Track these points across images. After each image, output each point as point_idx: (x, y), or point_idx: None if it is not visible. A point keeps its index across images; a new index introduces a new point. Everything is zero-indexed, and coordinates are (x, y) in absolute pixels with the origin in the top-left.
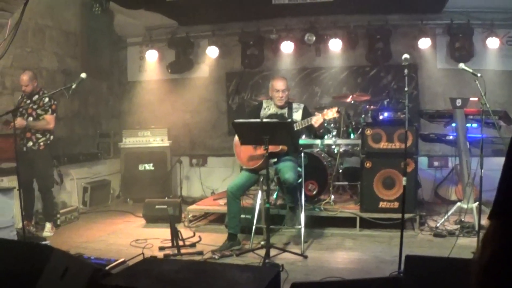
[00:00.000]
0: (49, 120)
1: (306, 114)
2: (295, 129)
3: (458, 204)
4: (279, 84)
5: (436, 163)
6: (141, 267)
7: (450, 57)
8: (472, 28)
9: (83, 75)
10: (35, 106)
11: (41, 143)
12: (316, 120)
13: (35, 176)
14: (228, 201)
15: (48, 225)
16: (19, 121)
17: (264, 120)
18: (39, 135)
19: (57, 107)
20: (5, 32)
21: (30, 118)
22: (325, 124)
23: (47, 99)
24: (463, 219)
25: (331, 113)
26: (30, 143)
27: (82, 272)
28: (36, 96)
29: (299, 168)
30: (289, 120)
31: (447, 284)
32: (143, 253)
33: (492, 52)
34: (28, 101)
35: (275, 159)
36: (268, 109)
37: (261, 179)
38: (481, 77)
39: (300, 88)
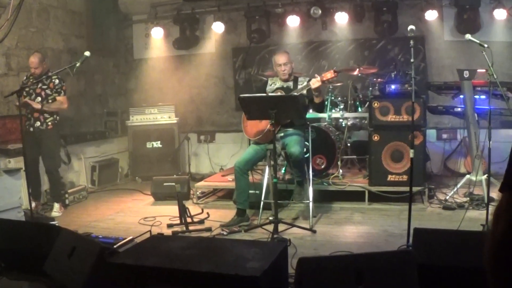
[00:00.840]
0: (63, 101)
1: (310, 89)
2: (295, 94)
3: (467, 176)
4: (280, 58)
5: (444, 136)
6: (148, 244)
7: (457, 29)
8: None
9: (87, 53)
10: (44, 87)
11: (49, 123)
12: (314, 82)
13: (42, 156)
14: (236, 176)
15: (56, 205)
16: (35, 104)
17: (270, 94)
18: (47, 115)
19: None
20: (8, 12)
21: (39, 98)
22: (329, 93)
23: (57, 80)
24: (472, 192)
25: (329, 74)
26: (38, 123)
27: (90, 251)
28: (44, 77)
29: (306, 142)
30: (295, 93)
31: (456, 257)
32: (150, 231)
33: (500, 24)
34: (35, 82)
35: (282, 134)
36: (274, 84)
37: (269, 154)
38: (488, 48)
39: (306, 62)
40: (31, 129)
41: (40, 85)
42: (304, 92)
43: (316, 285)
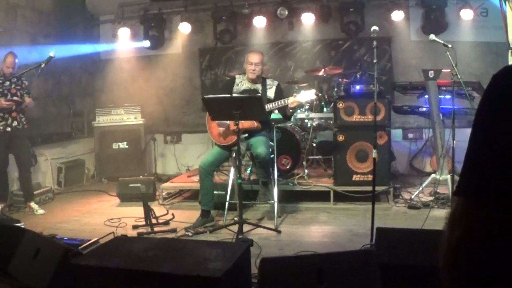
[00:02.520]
0: (31, 101)
1: (279, 92)
2: (268, 109)
3: (433, 175)
4: (253, 57)
5: (410, 135)
6: (112, 246)
7: (423, 29)
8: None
9: (52, 53)
10: (18, 87)
11: (25, 122)
12: (293, 101)
13: (19, 155)
14: (201, 177)
15: (35, 205)
16: (29, 100)
17: (234, 95)
18: (21, 115)
19: None
20: None
21: (15, 98)
22: (294, 93)
23: (26, 81)
24: (437, 191)
25: (308, 98)
26: (15, 123)
27: (54, 253)
28: (14, 77)
29: (271, 143)
30: (259, 94)
31: (418, 255)
32: (113, 232)
33: (466, 24)
34: (7, 82)
35: (246, 134)
36: (242, 84)
37: (233, 154)
38: (452, 48)
39: (273, 63)
40: (8, 128)
41: (13, 85)
42: (272, 95)
43: (278, 285)
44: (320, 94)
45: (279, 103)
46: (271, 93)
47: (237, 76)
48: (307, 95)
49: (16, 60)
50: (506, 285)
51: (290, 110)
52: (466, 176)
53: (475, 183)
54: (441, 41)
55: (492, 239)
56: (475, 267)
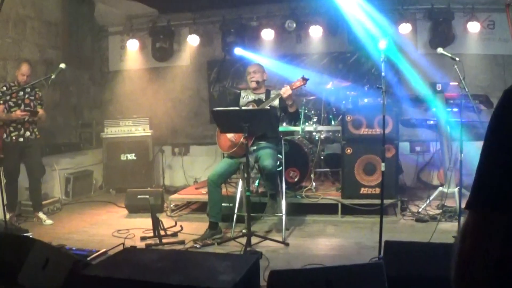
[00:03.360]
0: (44, 113)
1: (283, 99)
2: (267, 105)
3: (440, 188)
4: (251, 67)
5: (418, 148)
6: (121, 257)
7: (430, 42)
8: (453, 12)
9: (62, 65)
10: (32, 97)
11: (37, 133)
12: (284, 90)
13: (31, 165)
14: (209, 189)
15: (43, 215)
16: (42, 112)
17: (243, 108)
18: (34, 125)
19: None
20: None
21: (29, 109)
22: (303, 107)
23: (40, 92)
24: (444, 204)
25: (298, 83)
26: (28, 133)
27: (63, 263)
28: (28, 87)
29: (279, 155)
30: (267, 107)
31: (426, 268)
32: (123, 244)
33: (473, 37)
34: (21, 92)
35: (255, 147)
36: (247, 97)
37: (242, 167)
38: (460, 61)
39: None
40: (21, 139)
41: (27, 95)
42: (276, 103)
43: None
44: (308, 79)
45: (274, 96)
46: (275, 102)
47: (242, 91)
48: (296, 82)
49: (30, 69)
50: None
51: (290, 103)
52: (477, 190)
53: (486, 197)
54: (449, 54)
55: (503, 252)
56: (486, 280)
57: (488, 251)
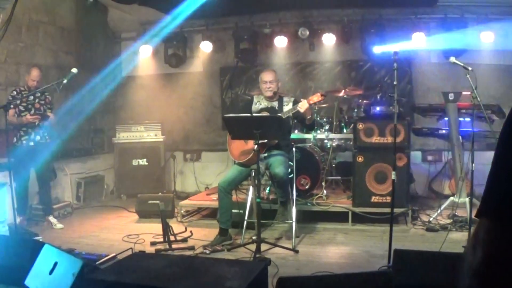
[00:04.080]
0: (53, 117)
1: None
2: (283, 117)
3: (451, 198)
4: (267, 76)
5: (430, 158)
6: (129, 262)
7: (444, 51)
8: (466, 22)
9: (74, 70)
10: (42, 102)
11: (47, 137)
12: (302, 105)
13: (40, 169)
14: (219, 196)
15: (53, 219)
16: (52, 116)
17: (255, 114)
18: (44, 129)
19: None
20: None
21: (38, 113)
22: (315, 114)
23: (50, 96)
24: (456, 214)
25: (316, 98)
26: (38, 137)
27: (71, 267)
28: (38, 91)
29: (290, 163)
30: (279, 114)
31: (435, 278)
32: (131, 248)
33: (486, 46)
34: (31, 97)
35: (266, 154)
36: (259, 103)
37: (253, 173)
38: (472, 71)
39: (293, 83)
40: (31, 143)
41: (37, 100)
42: (291, 115)
43: None
44: (325, 95)
45: (291, 110)
46: (287, 109)
47: (255, 96)
48: (314, 96)
49: (40, 74)
50: None
51: (308, 117)
52: (488, 198)
53: (497, 205)
54: (462, 64)
55: None
56: None
57: (501, 261)
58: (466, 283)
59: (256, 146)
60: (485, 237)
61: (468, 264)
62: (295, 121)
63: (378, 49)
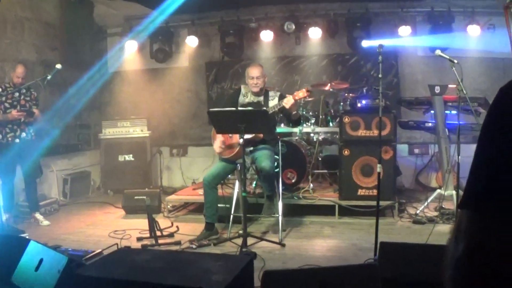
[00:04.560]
0: (39, 113)
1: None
2: (265, 109)
3: (438, 191)
4: (254, 71)
5: (416, 150)
6: (115, 257)
7: (430, 44)
8: (453, 15)
9: (58, 65)
10: (27, 98)
11: (33, 133)
12: (287, 101)
13: (25, 166)
14: (205, 190)
15: (40, 216)
16: (37, 112)
17: (240, 108)
18: (30, 126)
19: None
20: None
21: (24, 109)
22: (301, 108)
23: (35, 93)
24: (443, 206)
25: (301, 93)
26: (24, 134)
27: (57, 263)
28: (23, 88)
29: (276, 156)
30: (264, 108)
31: (421, 270)
32: (117, 244)
33: (473, 40)
34: (17, 93)
35: (251, 148)
36: (246, 96)
37: (238, 168)
38: (458, 64)
39: (279, 77)
40: (17, 140)
41: (22, 96)
42: (277, 110)
43: None
44: (311, 90)
45: (276, 105)
46: (273, 103)
47: (242, 86)
48: (299, 92)
49: (25, 70)
50: None
51: (294, 113)
52: (470, 189)
53: (479, 197)
54: (447, 56)
55: (496, 253)
56: (478, 281)
57: (483, 252)
58: (449, 275)
59: (241, 140)
60: (467, 228)
61: (451, 255)
62: (281, 115)
63: (366, 43)
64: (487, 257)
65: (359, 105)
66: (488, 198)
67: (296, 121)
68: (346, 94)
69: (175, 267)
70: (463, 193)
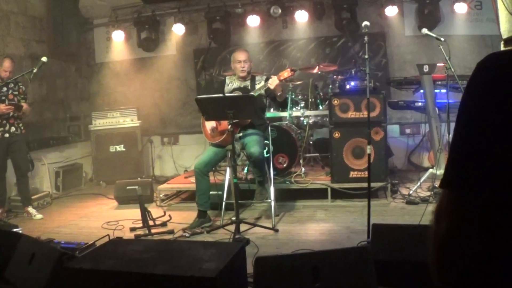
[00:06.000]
0: (28, 107)
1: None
2: (255, 95)
3: (430, 170)
4: (240, 55)
5: (408, 131)
6: (106, 248)
7: (418, 24)
8: None
9: (44, 58)
10: (15, 93)
11: (22, 128)
12: (272, 81)
13: (16, 160)
14: (196, 178)
15: (33, 210)
16: (26, 106)
17: (227, 94)
18: (18, 120)
19: None
20: None
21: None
22: (290, 92)
23: (23, 87)
24: (435, 185)
25: (286, 73)
26: (13, 128)
27: (49, 257)
28: (11, 82)
29: (266, 141)
30: (252, 93)
31: (413, 251)
32: (108, 235)
33: (460, 18)
34: (5, 88)
35: (241, 134)
36: (232, 84)
37: (229, 154)
38: (445, 42)
39: (268, 62)
40: (6, 135)
41: (10, 91)
42: (263, 92)
43: (273, 284)
44: (295, 69)
45: (261, 87)
46: (259, 87)
47: (227, 77)
48: (284, 72)
49: (12, 64)
50: (491, 280)
51: (279, 94)
52: (450, 168)
53: (459, 176)
54: (434, 35)
55: (476, 233)
56: (461, 261)
57: (464, 232)
58: (433, 256)
59: (230, 126)
60: (448, 208)
61: (434, 236)
62: (268, 99)
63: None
64: (469, 237)
65: (348, 87)
66: (467, 177)
67: (282, 103)
68: (334, 77)
69: (167, 256)
70: (444, 172)
